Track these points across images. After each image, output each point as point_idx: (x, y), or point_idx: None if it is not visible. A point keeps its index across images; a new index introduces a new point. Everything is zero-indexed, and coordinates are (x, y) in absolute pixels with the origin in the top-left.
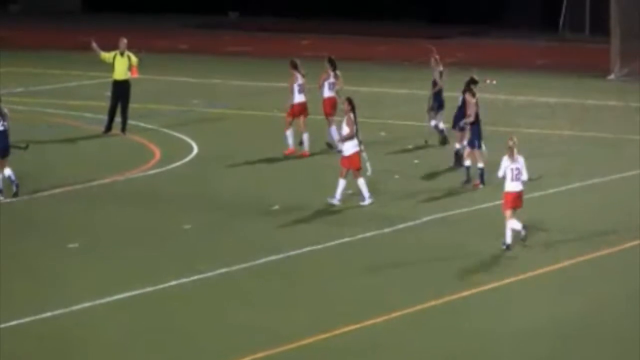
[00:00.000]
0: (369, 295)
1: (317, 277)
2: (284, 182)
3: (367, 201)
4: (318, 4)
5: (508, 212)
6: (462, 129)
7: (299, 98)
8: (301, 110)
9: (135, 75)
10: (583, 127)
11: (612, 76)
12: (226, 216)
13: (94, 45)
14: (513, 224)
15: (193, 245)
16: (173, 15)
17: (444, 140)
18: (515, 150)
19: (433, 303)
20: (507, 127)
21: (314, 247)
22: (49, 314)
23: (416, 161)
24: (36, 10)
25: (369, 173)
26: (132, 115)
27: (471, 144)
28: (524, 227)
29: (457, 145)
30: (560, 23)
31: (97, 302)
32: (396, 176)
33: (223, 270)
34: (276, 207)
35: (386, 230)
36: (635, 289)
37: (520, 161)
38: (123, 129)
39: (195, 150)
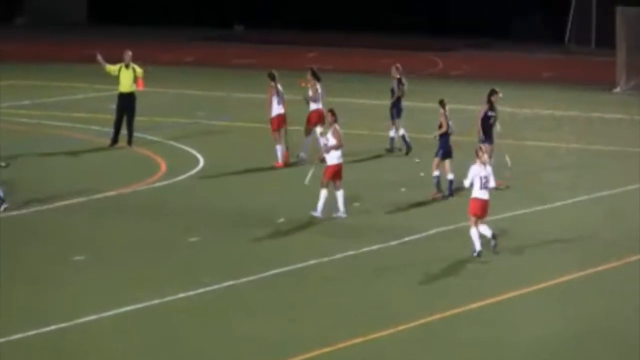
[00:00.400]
0: (375, 308)
1: (323, 289)
2: (289, 194)
3: (341, 214)
4: (324, 17)
5: (473, 220)
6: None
7: (278, 110)
8: (281, 122)
9: (142, 88)
10: (589, 140)
11: (617, 89)
12: (232, 228)
13: (99, 58)
14: (483, 230)
15: (199, 258)
16: (178, 28)
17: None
18: (485, 159)
19: (439, 316)
20: (513, 140)
21: (320, 260)
22: (53, 327)
23: (422, 174)
24: (42, 23)
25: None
26: (138, 128)
27: (440, 155)
28: (494, 236)
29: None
30: (566, 36)
31: (103, 314)
32: (402, 189)
33: (229, 282)
34: (282, 219)
35: (392, 242)
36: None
37: (489, 169)
38: (129, 142)
39: (201, 162)
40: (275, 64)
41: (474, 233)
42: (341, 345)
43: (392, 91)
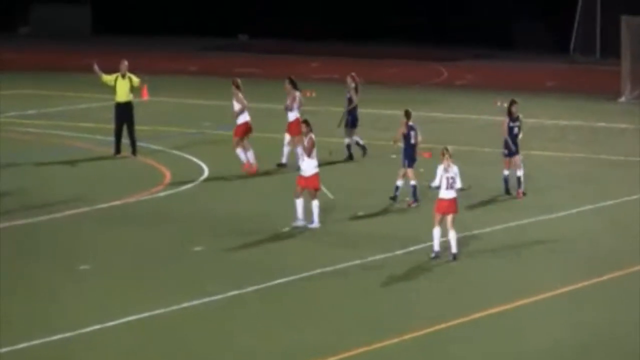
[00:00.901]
0: (379, 318)
1: (327, 299)
2: (292, 203)
3: (315, 225)
4: (328, 27)
5: (438, 218)
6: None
7: (244, 118)
8: (247, 129)
9: (146, 98)
10: (593, 150)
11: (622, 99)
12: (236, 238)
13: (96, 67)
14: (451, 237)
15: (204, 267)
16: (183, 38)
17: (364, 152)
18: (449, 160)
19: (444, 325)
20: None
21: (325, 269)
22: (58, 336)
23: (426, 183)
24: (46, 33)
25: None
26: (143, 138)
27: (406, 164)
28: (454, 255)
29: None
30: (571, 45)
31: (107, 324)
32: (407, 198)
33: (234, 292)
34: (286, 229)
35: (397, 252)
36: None
37: (455, 170)
38: (133, 151)
39: (206, 172)
40: (279, 73)
41: (436, 233)
42: (346, 354)
43: (350, 100)
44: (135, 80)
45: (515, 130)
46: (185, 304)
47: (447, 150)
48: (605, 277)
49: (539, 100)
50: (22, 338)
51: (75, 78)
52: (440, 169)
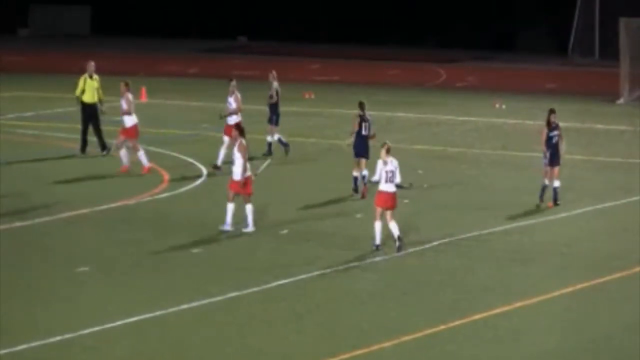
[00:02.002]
0: (378, 320)
1: (326, 301)
2: (293, 206)
3: (250, 229)
4: (327, 29)
5: (378, 211)
6: None
7: (132, 120)
8: (134, 132)
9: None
10: (592, 152)
11: (621, 100)
12: (235, 240)
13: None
14: (392, 227)
15: (202, 269)
16: (182, 40)
17: (286, 151)
18: (388, 155)
19: (443, 327)
20: (517, 151)
21: (323, 272)
22: (58, 337)
23: (425, 185)
24: (45, 35)
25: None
26: (141, 140)
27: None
28: (399, 237)
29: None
30: (570, 47)
31: (107, 326)
32: (405, 200)
33: (232, 294)
34: (285, 231)
35: (396, 254)
36: None
37: (394, 164)
38: (104, 149)
39: (204, 173)
40: (279, 76)
41: (377, 226)
42: (344, 356)
43: (271, 97)
44: (97, 83)
45: (555, 139)
46: (184, 306)
47: (386, 144)
48: (605, 279)
49: (538, 102)
50: (21, 340)
51: (74, 80)
52: (380, 163)
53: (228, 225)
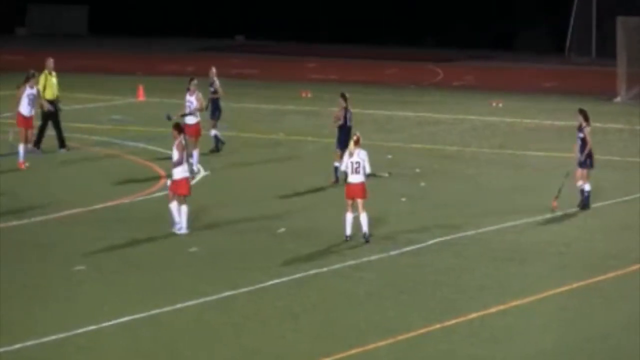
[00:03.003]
0: (374, 319)
1: (322, 300)
2: (290, 204)
3: (184, 231)
4: (325, 28)
5: (349, 203)
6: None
7: (27, 111)
8: (28, 123)
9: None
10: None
11: (618, 99)
12: (232, 238)
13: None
14: (363, 220)
15: (198, 268)
16: (179, 39)
17: (218, 148)
18: (357, 147)
19: (438, 326)
20: (514, 150)
21: (319, 270)
22: (53, 337)
23: (423, 184)
24: (43, 34)
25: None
26: (138, 138)
27: (340, 147)
28: (365, 235)
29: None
30: (567, 46)
31: (102, 325)
32: (402, 199)
33: (228, 293)
34: (282, 229)
35: (392, 253)
36: (638, 314)
37: (362, 156)
38: (63, 145)
39: (201, 172)
40: (276, 74)
41: (347, 217)
42: (340, 355)
43: (216, 92)
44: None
45: (579, 140)
46: (179, 305)
47: (356, 134)
48: (601, 278)
49: (536, 101)
50: (17, 339)
51: (71, 79)
52: (346, 155)
53: (179, 227)
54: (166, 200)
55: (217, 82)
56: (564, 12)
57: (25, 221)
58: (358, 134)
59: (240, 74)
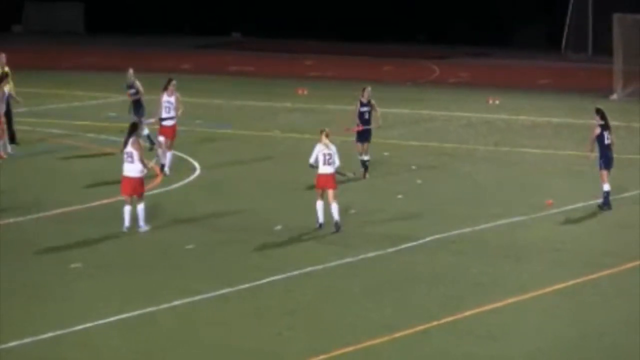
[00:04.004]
0: (370, 316)
1: (318, 297)
2: (287, 202)
3: (144, 228)
4: (322, 25)
5: (319, 192)
6: None
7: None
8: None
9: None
10: (585, 147)
11: (614, 96)
12: (228, 236)
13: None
14: (334, 210)
15: (195, 266)
16: (176, 36)
17: (151, 147)
18: (327, 139)
19: (435, 324)
20: (510, 147)
21: (316, 267)
22: (50, 334)
23: (419, 181)
24: (39, 31)
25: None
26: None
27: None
28: (337, 223)
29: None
30: (563, 44)
31: (99, 322)
32: (399, 196)
33: (225, 290)
34: (279, 227)
35: (389, 250)
36: (635, 311)
37: (332, 149)
38: (14, 140)
39: (198, 170)
40: (273, 72)
41: (319, 206)
42: (336, 353)
43: (139, 91)
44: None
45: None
46: (176, 302)
47: (324, 130)
48: (598, 275)
49: (532, 98)
50: (13, 336)
51: (67, 76)
52: (317, 147)
53: (142, 227)
54: (162, 198)
55: (137, 82)
56: (561, 9)
57: (20, 219)
58: (327, 129)
59: (237, 71)
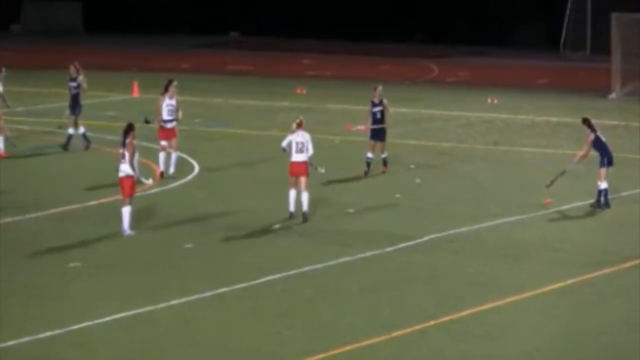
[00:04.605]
0: (368, 316)
1: (317, 297)
2: (284, 201)
3: (127, 232)
4: (320, 24)
5: (292, 180)
6: None
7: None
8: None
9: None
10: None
11: (613, 95)
12: (227, 235)
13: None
14: (304, 199)
15: (194, 264)
16: (174, 35)
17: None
18: (300, 128)
19: (432, 323)
20: (509, 146)
21: (315, 266)
22: (48, 333)
23: (418, 181)
24: (37, 30)
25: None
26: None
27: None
28: (305, 214)
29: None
30: (562, 43)
31: (97, 321)
32: (397, 195)
33: (223, 289)
34: (277, 226)
35: (387, 249)
36: (633, 311)
37: (306, 137)
38: None
39: (197, 169)
40: (271, 71)
41: (291, 194)
42: (334, 352)
43: (79, 86)
44: None
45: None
46: (174, 301)
47: (298, 118)
48: (596, 275)
49: (530, 97)
50: (12, 335)
51: (65, 76)
52: (290, 135)
53: (126, 230)
54: (161, 198)
55: (80, 77)
56: (559, 9)
57: (19, 218)
58: (301, 117)
59: (235, 70)
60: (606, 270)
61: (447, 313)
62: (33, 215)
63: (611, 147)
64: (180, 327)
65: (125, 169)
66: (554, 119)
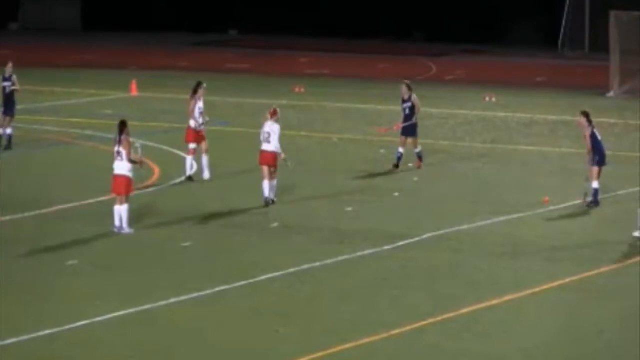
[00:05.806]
0: (366, 314)
1: (315, 295)
2: (283, 199)
3: (127, 231)
4: (318, 22)
5: (265, 170)
6: None
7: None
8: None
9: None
10: (582, 145)
11: (611, 94)
12: (225, 233)
13: None
14: (270, 186)
15: (192, 263)
16: (173, 33)
17: (9, 146)
18: (273, 117)
19: (431, 321)
20: (507, 144)
21: (313, 265)
22: (46, 332)
23: (416, 179)
24: (36, 29)
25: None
26: (132, 133)
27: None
28: (271, 200)
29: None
30: (560, 41)
31: (95, 319)
32: (396, 193)
33: (222, 287)
34: (275, 224)
35: (386, 247)
36: (632, 309)
37: (273, 129)
38: None
39: (195, 167)
40: (269, 69)
41: (264, 183)
42: (333, 350)
43: (13, 84)
44: None
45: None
46: (173, 300)
47: (272, 107)
48: (594, 273)
49: (529, 95)
50: (10, 334)
51: (64, 74)
52: (263, 126)
53: (123, 229)
54: (159, 196)
55: (14, 77)
56: (557, 7)
57: (18, 216)
58: (275, 107)
59: (234, 69)
60: (605, 268)
61: (445, 311)
62: (31, 213)
63: (605, 146)
64: (178, 326)
65: (120, 167)
66: (552, 117)
